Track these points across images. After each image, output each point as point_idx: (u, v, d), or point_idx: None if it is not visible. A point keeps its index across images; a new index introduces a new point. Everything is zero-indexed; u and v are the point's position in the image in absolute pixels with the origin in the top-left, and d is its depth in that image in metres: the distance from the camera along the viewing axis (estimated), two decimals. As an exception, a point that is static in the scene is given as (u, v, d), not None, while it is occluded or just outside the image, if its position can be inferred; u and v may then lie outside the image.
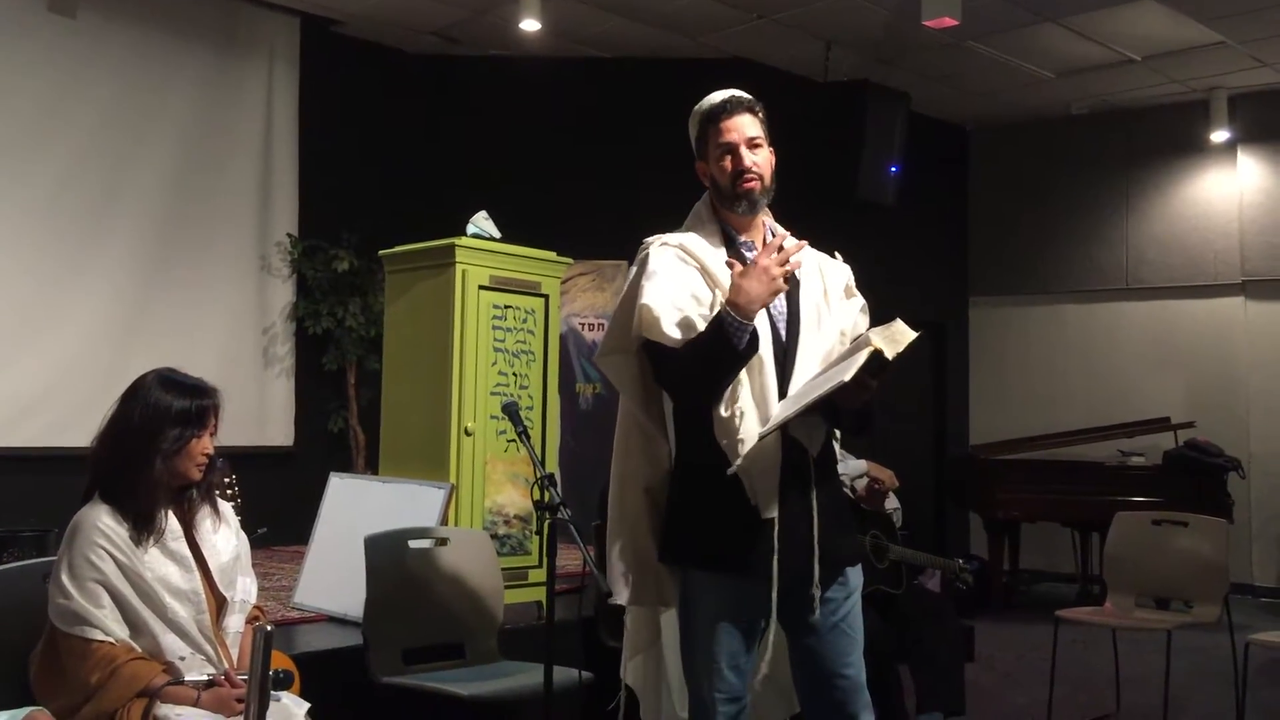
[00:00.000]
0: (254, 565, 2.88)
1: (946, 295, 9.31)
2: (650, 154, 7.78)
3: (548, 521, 3.07)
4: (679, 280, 2.59)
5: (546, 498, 3.08)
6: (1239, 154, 8.56)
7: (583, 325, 7.83)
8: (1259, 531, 8.18)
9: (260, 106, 7.06)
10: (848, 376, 2.35)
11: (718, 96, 2.75)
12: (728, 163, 2.67)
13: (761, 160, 2.67)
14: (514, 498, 4.38)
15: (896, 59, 7.79)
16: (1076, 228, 9.22)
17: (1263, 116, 8.43)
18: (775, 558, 2.49)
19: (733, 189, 2.66)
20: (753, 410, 2.52)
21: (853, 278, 2.82)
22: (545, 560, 3.25)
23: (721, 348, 2.46)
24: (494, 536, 4.16)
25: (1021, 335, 9.37)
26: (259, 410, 6.93)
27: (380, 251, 4.76)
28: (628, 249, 8.96)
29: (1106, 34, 7.31)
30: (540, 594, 4.23)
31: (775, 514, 2.51)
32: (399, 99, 7.67)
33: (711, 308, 2.54)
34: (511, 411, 3.36)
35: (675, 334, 2.53)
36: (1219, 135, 8.43)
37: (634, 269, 2.66)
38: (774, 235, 2.63)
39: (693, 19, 7.15)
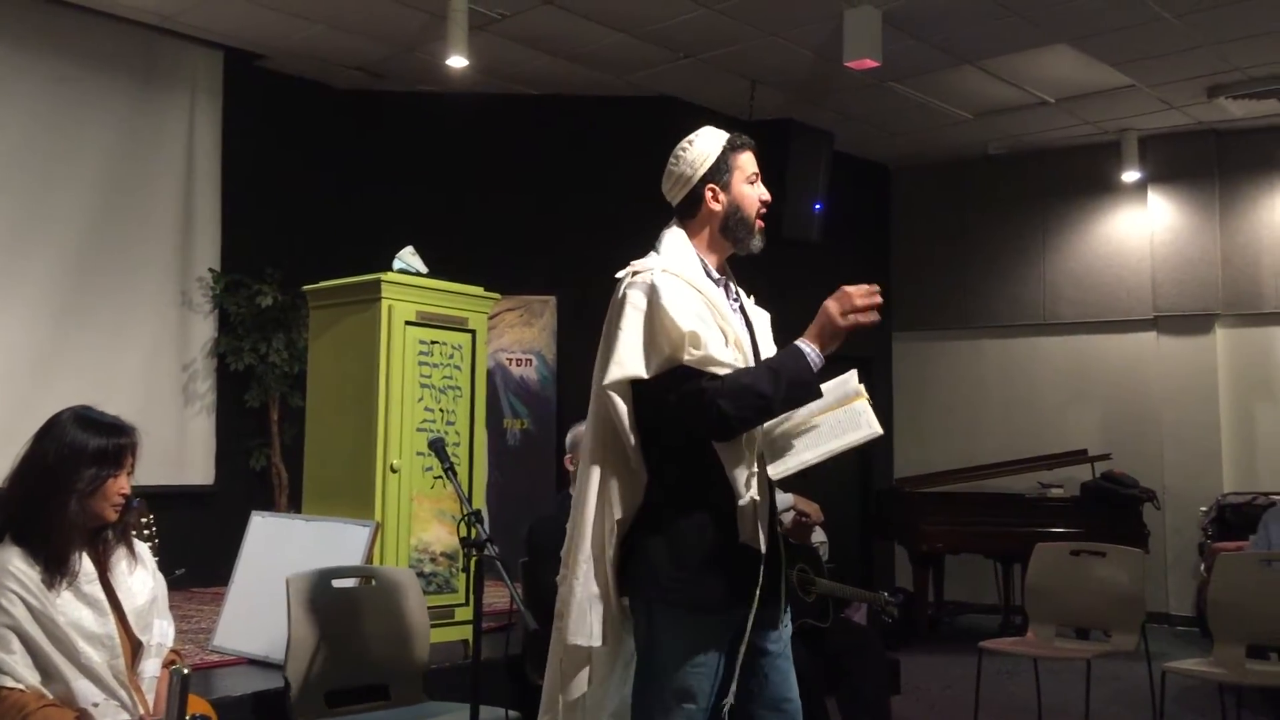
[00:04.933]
0: (172, 607, 2.82)
1: (870, 330, 9.36)
2: (579, 190, 7.85)
3: (474, 559, 3.05)
4: (700, 312, 2.53)
5: (473, 534, 3.06)
6: (1149, 193, 8.84)
7: (510, 361, 7.81)
8: (1174, 561, 8.37)
9: (182, 140, 6.97)
10: (878, 429, 2.51)
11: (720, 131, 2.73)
12: (756, 192, 2.69)
13: None
14: (440, 535, 4.34)
15: (820, 99, 7.93)
16: (995, 264, 9.43)
17: (1171, 157, 8.71)
18: (759, 589, 2.49)
19: (754, 220, 2.68)
20: (754, 447, 2.54)
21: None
22: (472, 598, 3.22)
23: (805, 373, 2.46)
24: (420, 574, 4.11)
25: (943, 370, 9.53)
26: (179, 448, 6.79)
27: (304, 286, 4.71)
28: (556, 284, 8.99)
29: (1022, 77, 7.52)
30: (467, 632, 4.19)
31: (764, 547, 2.51)
32: (324, 134, 7.62)
33: (728, 343, 2.53)
34: (438, 448, 3.34)
35: (727, 358, 2.49)
36: (1130, 175, 8.69)
37: (634, 294, 2.55)
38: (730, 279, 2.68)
39: (620, 58, 7.22)
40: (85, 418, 2.62)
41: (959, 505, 7.75)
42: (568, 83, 7.66)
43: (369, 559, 3.99)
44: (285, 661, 3.43)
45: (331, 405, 4.45)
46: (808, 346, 2.50)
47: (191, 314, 6.95)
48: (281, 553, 4.14)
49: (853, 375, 2.62)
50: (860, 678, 4.31)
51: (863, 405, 2.56)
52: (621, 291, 2.59)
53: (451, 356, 4.45)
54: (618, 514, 2.55)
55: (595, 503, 2.55)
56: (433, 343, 4.40)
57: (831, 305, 2.52)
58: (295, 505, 6.02)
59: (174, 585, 2.95)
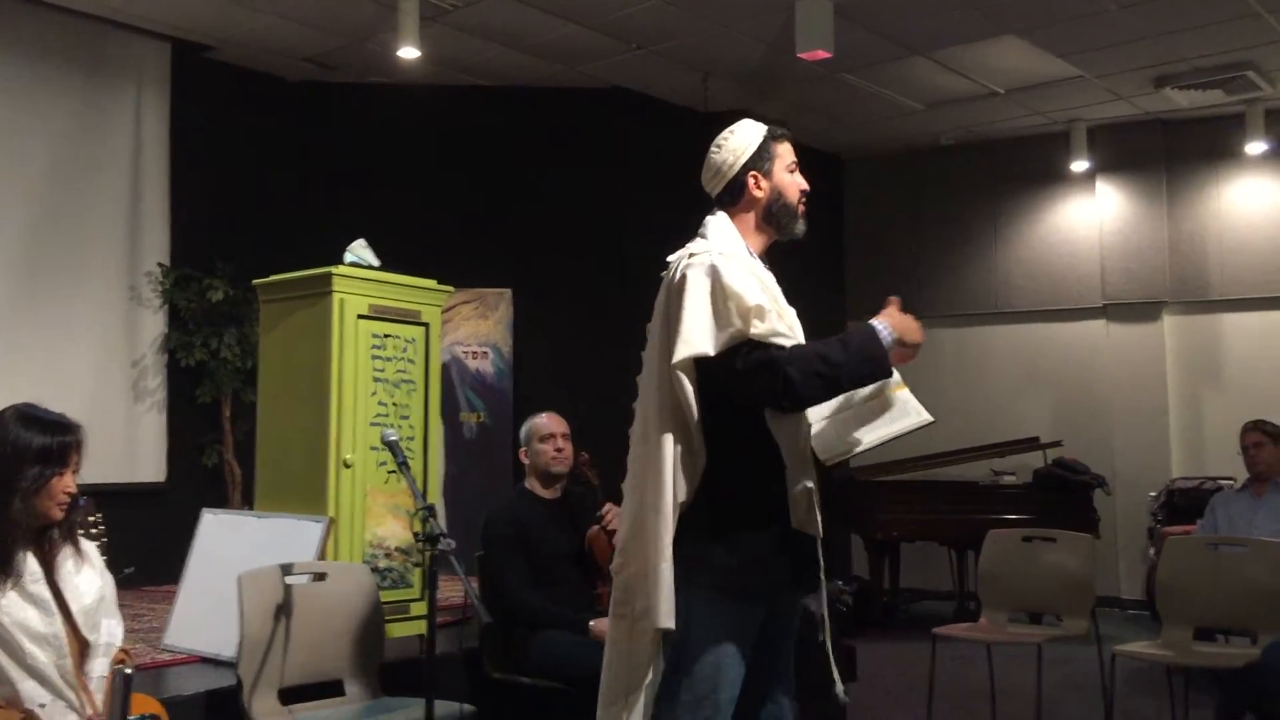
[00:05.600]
0: (123, 606, 2.79)
1: (825, 320, 9.48)
2: (533, 182, 7.83)
3: (428, 553, 3.03)
4: (761, 295, 2.56)
5: (427, 529, 3.04)
6: (1098, 183, 8.96)
7: (466, 354, 7.78)
8: (1125, 546, 8.51)
9: (129, 132, 6.87)
10: (929, 417, 2.62)
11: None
12: (798, 179, 2.75)
13: None
14: (395, 530, 4.32)
15: (773, 90, 7.95)
16: (948, 254, 9.52)
17: (1119, 147, 8.83)
18: (822, 572, 2.58)
19: (797, 206, 2.74)
20: (808, 432, 2.60)
21: None
22: (427, 593, 3.21)
23: (875, 347, 2.51)
24: (374, 570, 4.10)
25: (898, 359, 9.59)
26: (129, 446, 6.70)
27: (255, 281, 4.66)
28: (511, 276, 8.97)
29: (972, 68, 7.59)
30: (423, 627, 4.17)
31: (820, 531, 2.56)
32: (275, 126, 7.55)
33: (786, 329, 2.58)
34: (391, 442, 3.32)
35: (782, 334, 2.52)
36: (1079, 165, 8.80)
37: (695, 274, 2.54)
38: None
39: (572, 49, 7.20)
40: (28, 415, 2.58)
41: (914, 493, 7.81)
42: (521, 74, 7.64)
43: (322, 555, 3.96)
44: (238, 659, 3.41)
45: (283, 400, 4.42)
46: (881, 323, 2.54)
47: (141, 309, 6.86)
48: (234, 550, 4.10)
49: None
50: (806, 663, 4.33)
51: (906, 394, 2.65)
52: (679, 273, 2.59)
53: (405, 350, 4.43)
54: (682, 496, 2.52)
55: (669, 483, 2.51)
56: (386, 336, 4.37)
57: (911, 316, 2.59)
58: (249, 502, 5.97)
59: (125, 584, 2.92)
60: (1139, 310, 8.75)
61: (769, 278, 2.68)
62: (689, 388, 2.51)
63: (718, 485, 2.54)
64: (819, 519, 2.57)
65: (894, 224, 9.73)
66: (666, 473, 2.51)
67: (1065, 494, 7.54)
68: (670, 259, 2.69)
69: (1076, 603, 4.86)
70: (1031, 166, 9.19)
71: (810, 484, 2.56)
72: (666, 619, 2.47)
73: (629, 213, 7.87)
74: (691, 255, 2.61)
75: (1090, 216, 9.02)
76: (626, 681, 2.57)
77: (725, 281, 2.50)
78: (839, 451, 2.62)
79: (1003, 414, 8.97)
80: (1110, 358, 8.85)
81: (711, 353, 2.49)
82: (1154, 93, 7.95)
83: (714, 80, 7.71)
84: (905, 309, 2.61)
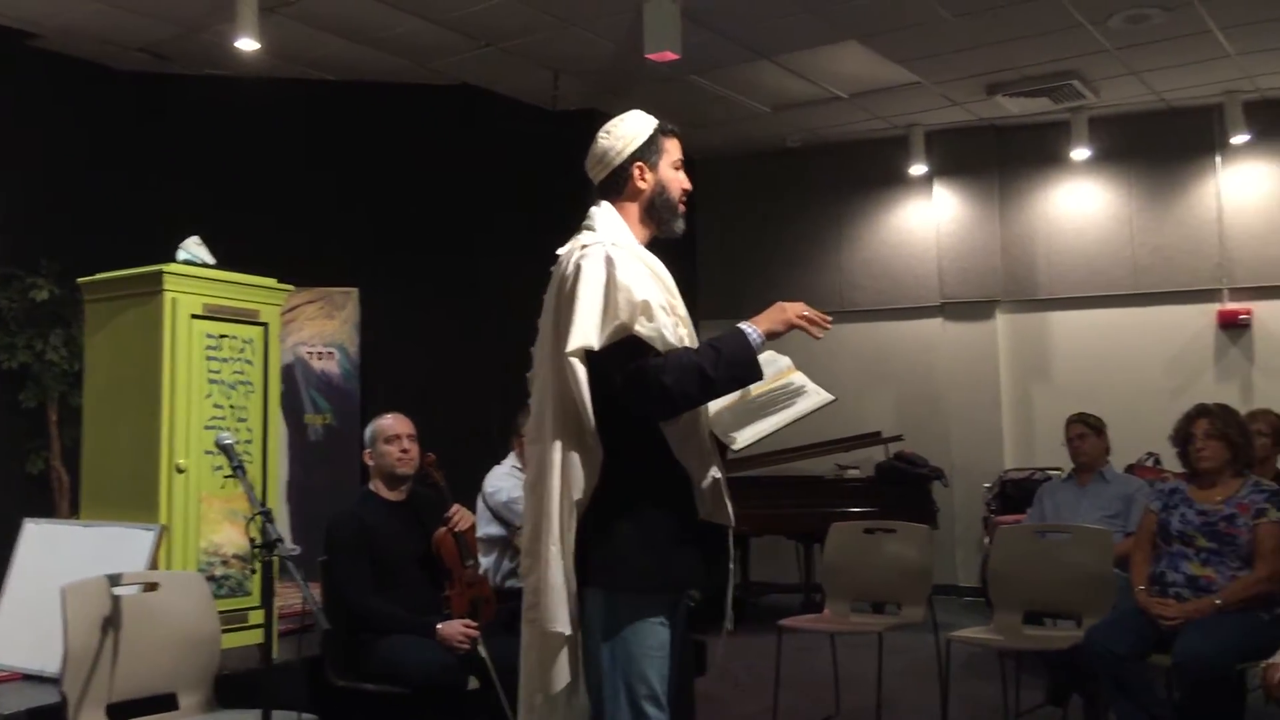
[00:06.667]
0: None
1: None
2: (381, 180, 7.69)
3: (264, 561, 2.95)
4: (651, 285, 2.54)
5: (264, 535, 2.96)
6: (935, 186, 9.29)
7: (311, 354, 7.59)
8: (962, 535, 8.84)
9: (-57, 123, 6.49)
10: (831, 396, 2.68)
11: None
12: (681, 177, 2.74)
13: None
14: (232, 536, 4.18)
15: (623, 90, 7.98)
16: (795, 254, 9.73)
17: (955, 151, 9.17)
18: (731, 563, 2.60)
19: (678, 203, 2.72)
20: (704, 424, 2.60)
21: None
22: (264, 600, 3.12)
23: (746, 352, 2.51)
24: (210, 578, 3.96)
25: (747, 357, 9.74)
26: (-55, 454, 6.33)
27: (80, 279, 4.45)
28: (358, 275, 8.76)
29: (816, 72, 7.77)
30: (262, 636, 4.05)
31: (730, 520, 2.59)
32: (105, 118, 7.22)
33: (677, 321, 2.58)
34: (226, 446, 3.22)
35: (671, 338, 2.51)
36: (917, 169, 9.10)
37: (590, 265, 2.51)
38: None
39: (419, 44, 7.10)
40: None
41: (762, 488, 7.94)
42: (367, 69, 7.49)
43: (154, 564, 3.81)
44: (61, 675, 3.25)
45: (111, 404, 4.23)
46: (749, 327, 2.55)
47: (-43, 310, 6.48)
48: (58, 561, 3.90)
49: (777, 355, 2.70)
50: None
51: (802, 377, 2.71)
52: (573, 263, 2.56)
53: (242, 351, 4.29)
54: (577, 495, 2.48)
55: (560, 483, 2.48)
56: (221, 336, 4.22)
57: (787, 304, 2.61)
58: (78, 510, 5.70)
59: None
60: (974, 309, 9.11)
61: (661, 267, 2.66)
62: (584, 380, 2.47)
63: (621, 481, 2.50)
64: (729, 508, 2.59)
65: (743, 225, 9.89)
66: (560, 471, 2.48)
67: (906, 486, 7.79)
68: (560, 251, 2.65)
69: (915, 591, 5.04)
70: (874, 169, 9.47)
71: (717, 475, 2.57)
72: (561, 624, 2.45)
73: (478, 211, 7.81)
74: (584, 247, 2.58)
75: (928, 219, 9.34)
76: (541, 685, 2.53)
77: (617, 274, 2.49)
78: (745, 439, 2.64)
79: (847, 410, 9.14)
80: (947, 355, 9.19)
81: (597, 346, 2.46)
82: (986, 99, 8.28)
83: (564, 79, 7.71)
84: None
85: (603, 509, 2.49)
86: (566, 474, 2.48)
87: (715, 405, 2.65)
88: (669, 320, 2.54)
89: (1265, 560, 4.02)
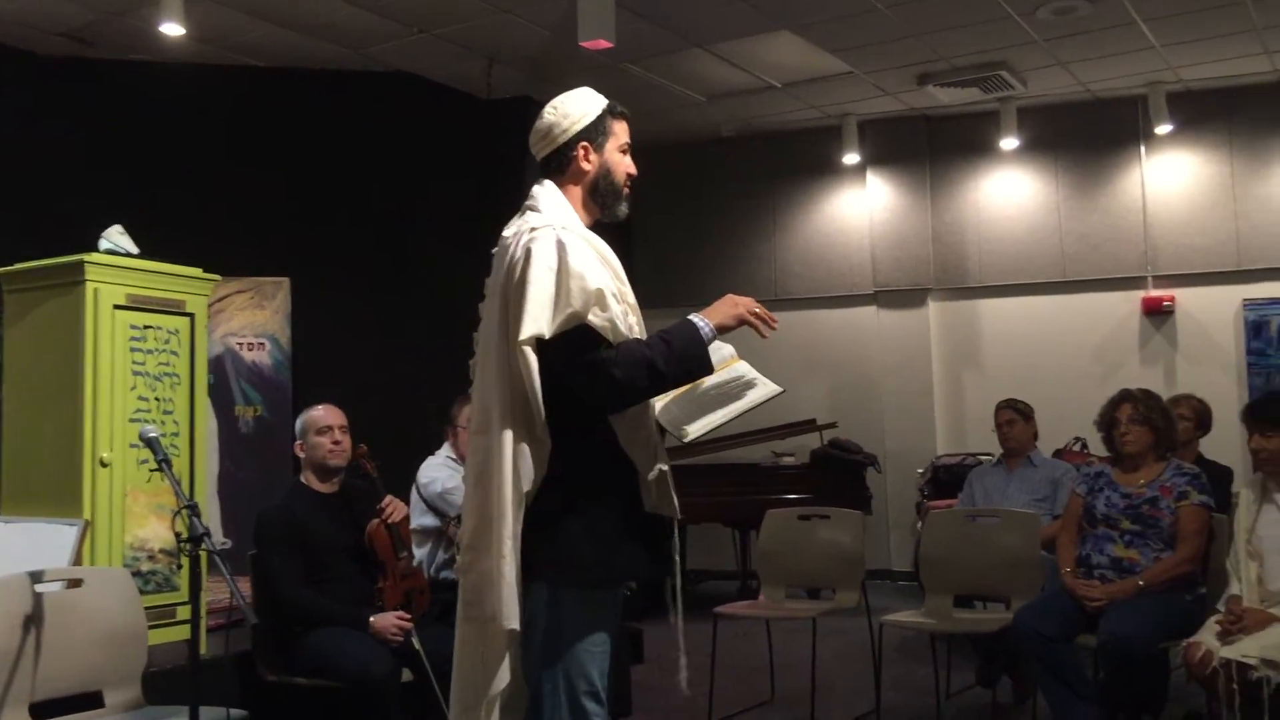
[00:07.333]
0: None
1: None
2: (312, 168, 7.57)
3: (190, 555, 2.90)
4: (602, 272, 2.48)
5: (190, 530, 2.91)
6: (868, 175, 9.37)
7: (241, 345, 7.48)
8: (896, 520, 8.95)
9: None
10: (779, 387, 2.68)
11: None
12: (628, 162, 2.68)
13: None
14: (159, 531, 4.10)
15: (557, 78, 7.94)
16: (730, 242, 9.77)
17: (887, 140, 9.25)
18: (676, 554, 2.59)
19: (622, 188, 2.67)
20: (652, 416, 2.57)
21: None
22: (192, 595, 3.07)
23: (697, 345, 2.48)
24: (136, 574, 3.89)
25: (683, 345, 9.77)
26: None
27: (-2, 270, 4.34)
28: (289, 265, 8.60)
29: (749, 61, 7.79)
30: (189, 631, 3.98)
31: (676, 512, 2.56)
32: (23, 104, 7.01)
33: (626, 309, 2.54)
34: (151, 439, 3.16)
35: (622, 329, 2.47)
36: (850, 158, 9.17)
37: (541, 249, 2.44)
38: None
39: (351, 30, 7.00)
40: None
41: (698, 476, 7.94)
42: (298, 56, 7.37)
43: (78, 560, 3.73)
44: (-19, 676, 3.17)
45: (31, 397, 4.13)
46: (701, 320, 2.52)
47: None
48: (-23, 558, 3.81)
49: (721, 343, 2.65)
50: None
51: (748, 367, 2.72)
52: (521, 247, 2.47)
53: (168, 342, 4.21)
54: (526, 487, 2.41)
55: (511, 475, 2.41)
56: (146, 327, 4.14)
57: (738, 298, 2.59)
58: (0, 506, 5.57)
59: None
60: (906, 297, 9.21)
61: (609, 251, 2.59)
62: (534, 368, 2.40)
63: (566, 472, 2.45)
64: (675, 500, 2.56)
65: (678, 214, 9.89)
66: (509, 463, 2.41)
67: (840, 473, 7.88)
68: (506, 234, 2.57)
69: (849, 576, 5.10)
70: (807, 158, 9.53)
71: (664, 467, 2.53)
72: (511, 620, 2.39)
73: (411, 200, 7.73)
74: (533, 230, 2.49)
75: (861, 207, 9.42)
76: (482, 685, 2.45)
77: (570, 260, 2.42)
78: (695, 431, 2.62)
79: (782, 397, 9.22)
80: (880, 343, 9.28)
81: (548, 334, 2.40)
82: (917, 89, 8.36)
83: (497, 67, 7.65)
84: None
85: (547, 501, 2.44)
86: (517, 465, 2.41)
87: (662, 397, 2.62)
88: (620, 309, 2.49)
89: (1187, 542, 4.12)
